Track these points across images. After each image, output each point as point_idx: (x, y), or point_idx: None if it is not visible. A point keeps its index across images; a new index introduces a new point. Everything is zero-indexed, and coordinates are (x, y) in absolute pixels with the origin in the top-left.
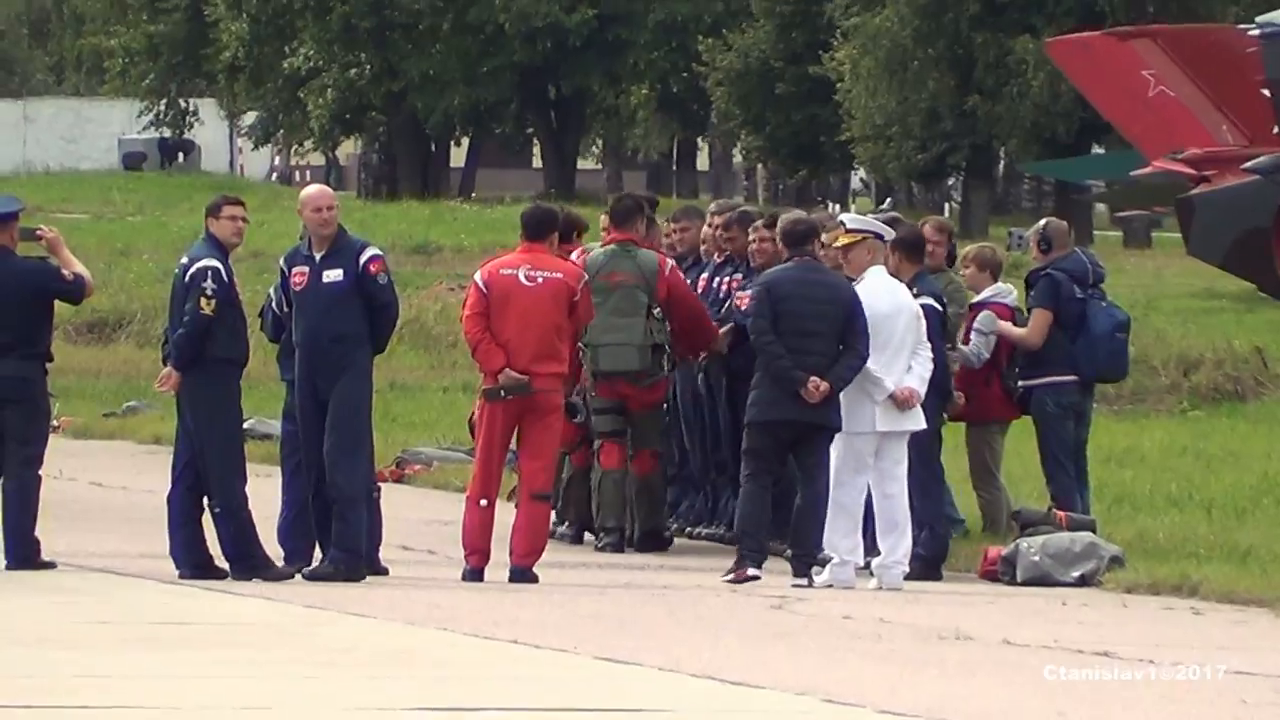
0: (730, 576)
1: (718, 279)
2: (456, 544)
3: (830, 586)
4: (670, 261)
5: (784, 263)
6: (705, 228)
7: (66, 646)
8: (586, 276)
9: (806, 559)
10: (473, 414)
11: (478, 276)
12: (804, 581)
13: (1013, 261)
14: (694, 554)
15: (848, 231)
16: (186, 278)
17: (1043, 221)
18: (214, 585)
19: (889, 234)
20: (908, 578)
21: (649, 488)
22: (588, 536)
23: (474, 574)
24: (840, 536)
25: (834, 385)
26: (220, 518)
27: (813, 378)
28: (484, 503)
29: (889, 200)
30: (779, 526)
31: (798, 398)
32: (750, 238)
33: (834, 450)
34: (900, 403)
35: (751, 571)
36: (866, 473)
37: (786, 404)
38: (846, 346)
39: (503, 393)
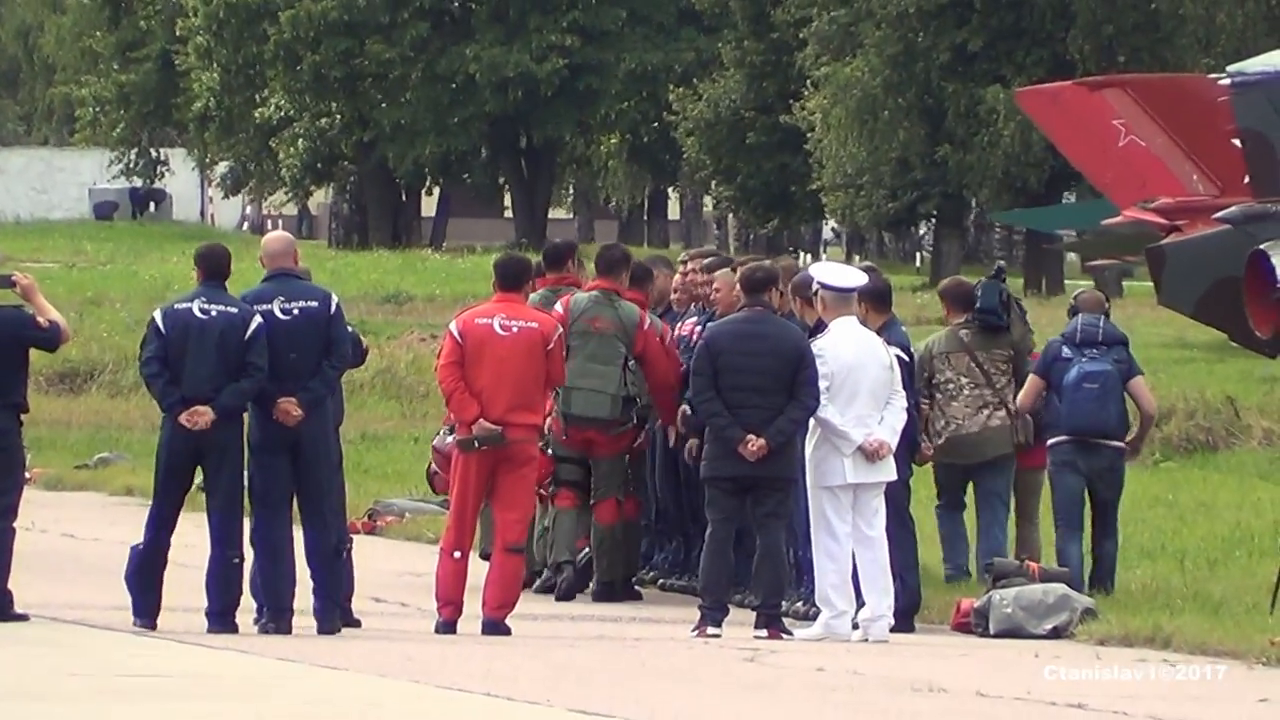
0: (694, 632)
1: (690, 328)
2: (429, 596)
3: (824, 640)
4: (650, 319)
5: (736, 311)
6: (676, 277)
7: (39, 698)
8: (562, 330)
9: (767, 610)
10: (429, 466)
11: (453, 326)
12: (763, 634)
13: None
14: (667, 605)
15: (820, 285)
16: (333, 309)
17: (1079, 291)
18: (186, 638)
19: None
20: None
21: (611, 538)
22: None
23: (447, 626)
24: (831, 589)
25: (772, 440)
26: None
27: (750, 435)
28: (457, 554)
29: (999, 263)
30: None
31: (739, 453)
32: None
33: (812, 503)
34: (869, 454)
35: (711, 630)
36: (848, 522)
37: (732, 459)
38: (793, 397)
39: (476, 443)
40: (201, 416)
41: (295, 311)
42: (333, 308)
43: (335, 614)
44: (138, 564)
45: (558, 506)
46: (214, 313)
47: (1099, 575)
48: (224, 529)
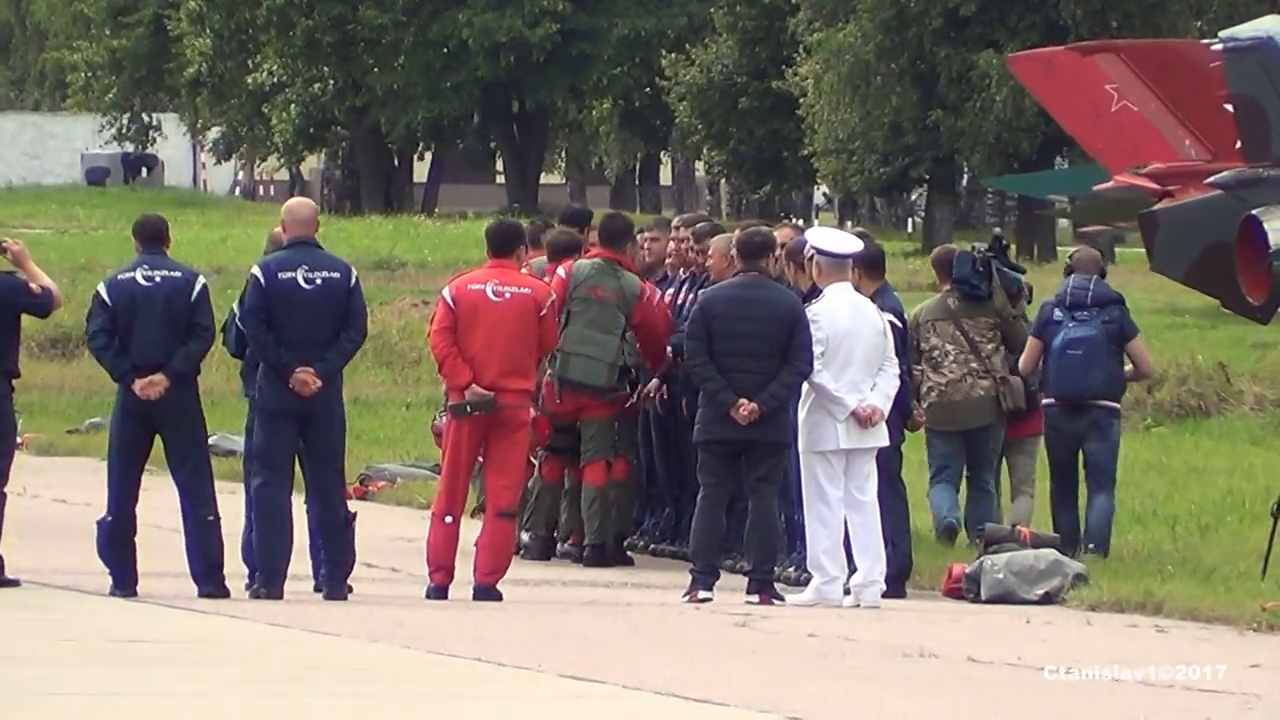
0: (685, 598)
1: (683, 294)
2: (420, 561)
3: (816, 605)
4: (650, 290)
5: (732, 277)
6: (670, 243)
7: (30, 664)
8: (555, 296)
9: (758, 576)
10: (434, 420)
11: (446, 291)
12: (755, 599)
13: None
14: (658, 570)
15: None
16: (353, 282)
17: (1075, 249)
18: (177, 603)
19: (841, 252)
20: None
21: (602, 499)
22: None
23: (438, 591)
24: (823, 554)
25: (764, 404)
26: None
27: (742, 400)
28: (449, 519)
29: (996, 230)
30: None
31: (731, 416)
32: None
33: (804, 468)
34: (862, 420)
35: (703, 594)
36: (840, 488)
37: (725, 423)
38: (786, 362)
39: (469, 409)
40: (157, 386)
41: (318, 281)
42: (353, 280)
43: (343, 583)
44: (107, 537)
45: (544, 479)
46: (158, 278)
47: (1092, 534)
48: (192, 490)
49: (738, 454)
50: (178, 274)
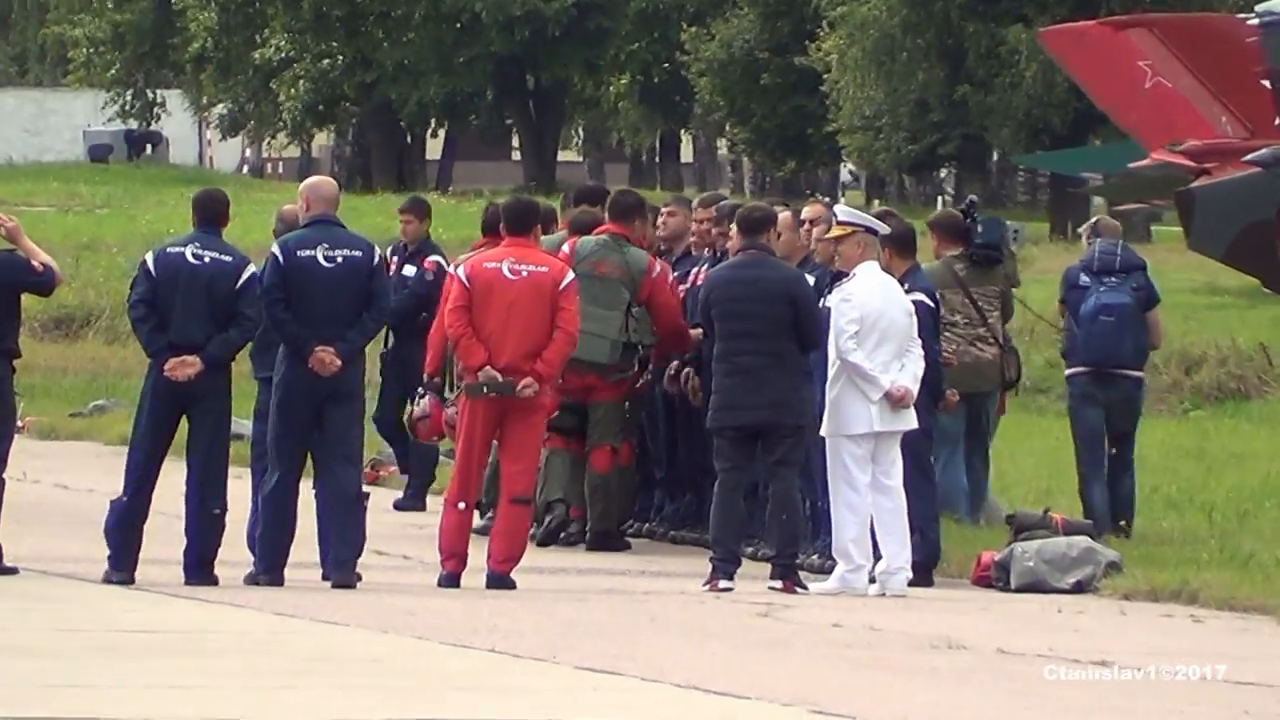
0: (705, 586)
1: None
2: (432, 548)
3: (841, 594)
4: (660, 265)
5: (734, 255)
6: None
7: (30, 655)
8: (572, 275)
9: (781, 561)
10: (410, 412)
11: (460, 270)
12: (777, 585)
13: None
14: (678, 558)
15: (839, 223)
16: (375, 260)
17: (1095, 217)
18: (182, 592)
19: (882, 229)
20: None
21: (605, 486)
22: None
23: (450, 579)
24: (850, 541)
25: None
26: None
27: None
28: (462, 505)
29: (970, 198)
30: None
31: (745, 399)
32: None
33: (831, 453)
34: (895, 401)
35: (724, 584)
36: (868, 473)
37: (735, 407)
38: (801, 344)
39: (484, 389)
40: (189, 368)
41: (339, 260)
42: (375, 258)
43: (353, 565)
44: (117, 519)
45: (549, 447)
46: (207, 259)
47: (1118, 513)
48: (205, 479)
49: (754, 437)
50: (228, 258)
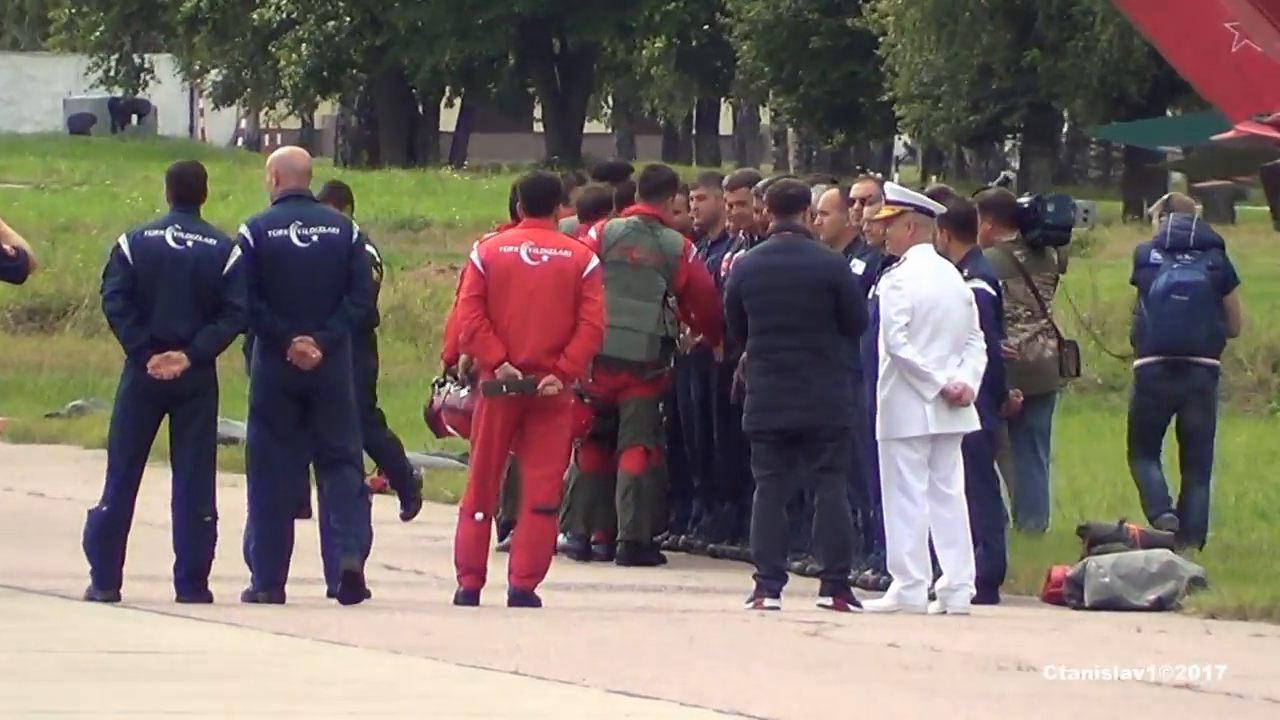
0: (749, 604)
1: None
2: (447, 562)
3: (897, 612)
4: (694, 249)
5: (767, 237)
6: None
7: (6, 678)
8: (597, 261)
9: (832, 576)
10: (429, 404)
11: (474, 255)
12: (828, 603)
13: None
14: (718, 572)
15: (888, 203)
16: (355, 238)
17: (1167, 195)
18: (172, 610)
19: (936, 208)
20: None
21: (638, 488)
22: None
23: (468, 596)
24: (907, 554)
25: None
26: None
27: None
28: (480, 516)
29: (1003, 174)
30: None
31: (783, 399)
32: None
33: (884, 458)
34: (952, 400)
35: (769, 602)
36: (925, 479)
37: (773, 409)
38: (843, 335)
39: (503, 389)
40: (175, 364)
41: (315, 239)
42: (354, 236)
43: (358, 552)
44: (97, 531)
45: (581, 469)
46: (190, 243)
47: (1190, 528)
48: (193, 484)
49: (795, 441)
50: (212, 241)
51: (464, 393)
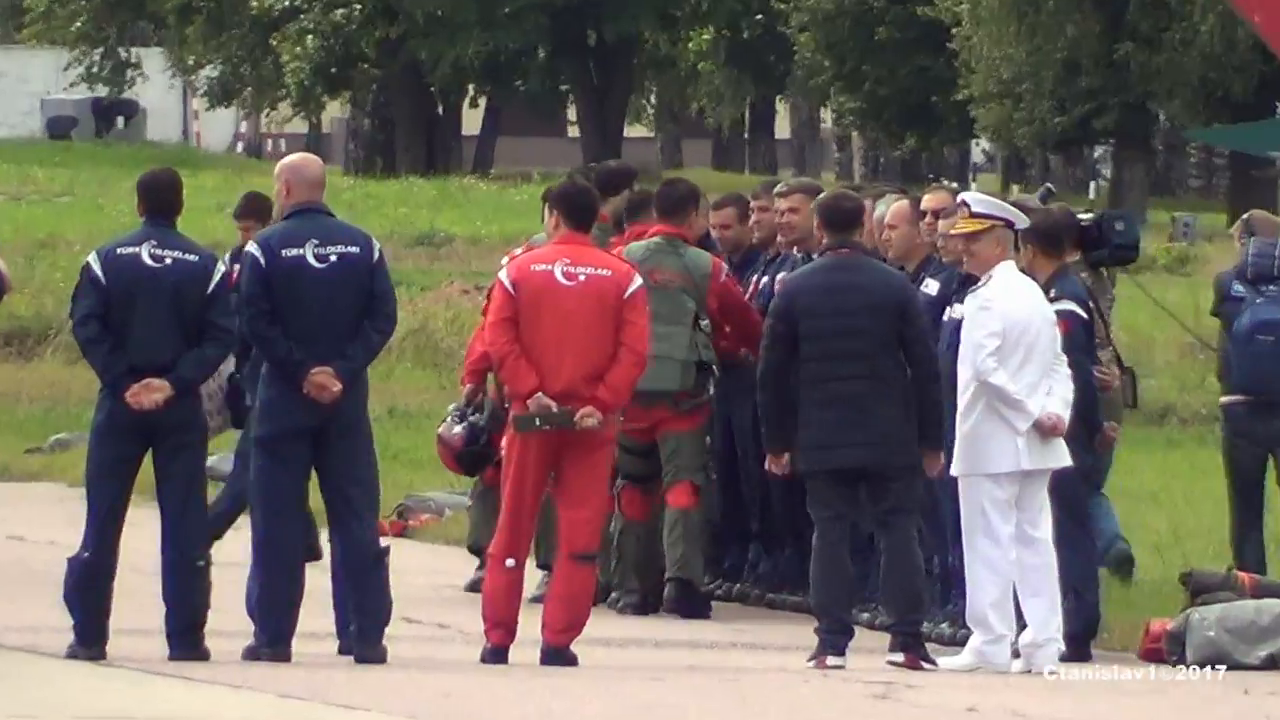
0: (811, 663)
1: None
2: (475, 615)
3: (977, 670)
4: (725, 266)
5: (819, 256)
6: (782, 214)
7: None
8: (640, 281)
9: (902, 629)
10: (446, 422)
11: (504, 274)
12: (899, 659)
13: (1177, 255)
14: (775, 625)
15: (973, 215)
16: (376, 257)
17: (1250, 212)
18: (165, 669)
19: (1021, 221)
20: None
21: (686, 522)
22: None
23: (496, 653)
24: (990, 606)
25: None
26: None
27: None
28: (511, 563)
29: (1045, 186)
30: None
31: (844, 436)
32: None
33: (966, 498)
34: (1046, 432)
35: (833, 660)
36: (1012, 521)
37: (830, 446)
38: (910, 364)
39: (537, 422)
40: (157, 393)
41: (333, 258)
42: (375, 254)
43: (379, 638)
44: (78, 580)
45: (625, 516)
46: (168, 260)
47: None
48: (181, 526)
49: (854, 481)
50: (192, 257)
51: (457, 428)
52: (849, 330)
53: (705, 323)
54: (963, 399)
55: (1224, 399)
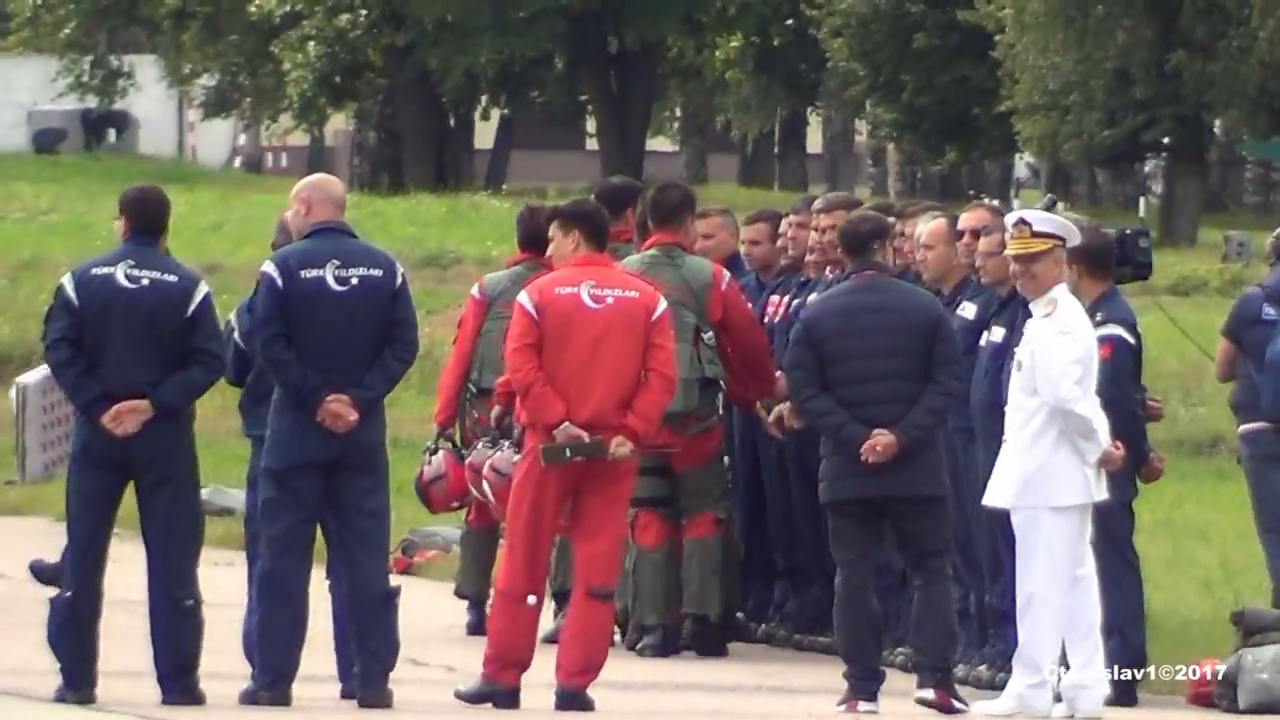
0: (842, 707)
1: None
2: (482, 656)
3: (1018, 716)
4: (727, 274)
5: (841, 278)
6: (812, 233)
7: None
8: (666, 303)
9: (932, 665)
10: (421, 474)
11: (524, 297)
12: (929, 695)
13: (1230, 277)
14: (804, 666)
15: (1038, 235)
16: (399, 281)
17: (1277, 232)
18: (156, 714)
19: (1073, 238)
20: None
21: (705, 553)
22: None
23: (509, 698)
24: (1046, 648)
25: (904, 436)
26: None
27: (877, 431)
28: (532, 600)
29: (1048, 196)
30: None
31: (868, 465)
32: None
33: (1029, 531)
34: (1108, 463)
35: (864, 706)
36: (1075, 558)
37: (855, 475)
38: (928, 379)
39: (568, 453)
40: (132, 415)
41: (354, 281)
42: (399, 279)
43: (384, 681)
44: (62, 622)
45: (639, 545)
46: (145, 281)
47: None
48: (166, 563)
49: (880, 515)
50: (172, 278)
51: (438, 459)
52: (880, 352)
53: (709, 335)
54: (1025, 430)
55: (1248, 426)
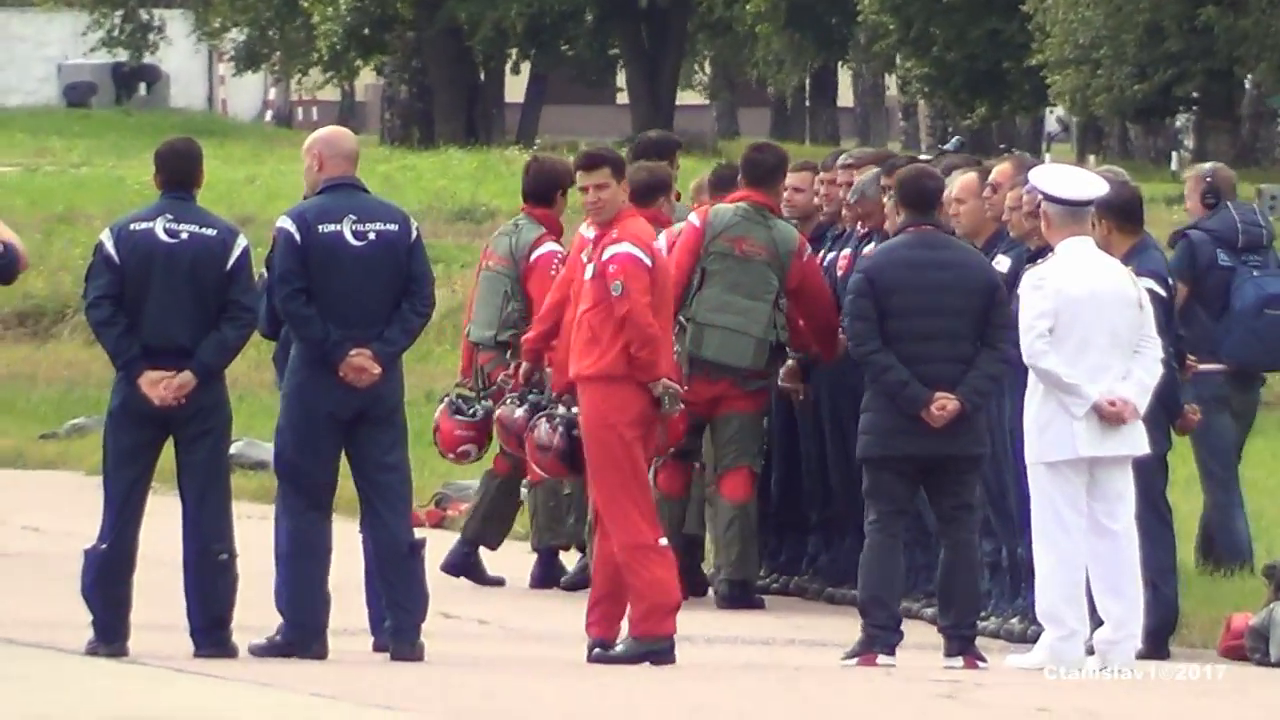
0: (853, 660)
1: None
2: (516, 609)
3: (1046, 669)
4: (809, 247)
5: (896, 234)
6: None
7: None
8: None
9: (960, 633)
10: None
11: (634, 248)
12: (958, 662)
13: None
14: (837, 619)
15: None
16: (414, 235)
17: (1208, 166)
18: (189, 666)
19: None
20: None
21: (744, 518)
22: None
23: (667, 652)
24: (1061, 600)
25: (967, 402)
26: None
27: (939, 394)
28: (664, 542)
29: (955, 138)
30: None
31: (921, 422)
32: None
33: (1036, 487)
34: (1107, 416)
35: (882, 659)
36: (1083, 512)
37: (907, 432)
38: (984, 344)
39: (665, 403)
40: (176, 389)
41: (371, 236)
42: (414, 233)
43: (416, 634)
44: (97, 573)
45: (661, 489)
46: (184, 235)
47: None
48: (202, 516)
49: (924, 472)
50: (211, 231)
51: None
52: (940, 309)
53: (784, 301)
54: (1029, 382)
55: (1202, 367)
